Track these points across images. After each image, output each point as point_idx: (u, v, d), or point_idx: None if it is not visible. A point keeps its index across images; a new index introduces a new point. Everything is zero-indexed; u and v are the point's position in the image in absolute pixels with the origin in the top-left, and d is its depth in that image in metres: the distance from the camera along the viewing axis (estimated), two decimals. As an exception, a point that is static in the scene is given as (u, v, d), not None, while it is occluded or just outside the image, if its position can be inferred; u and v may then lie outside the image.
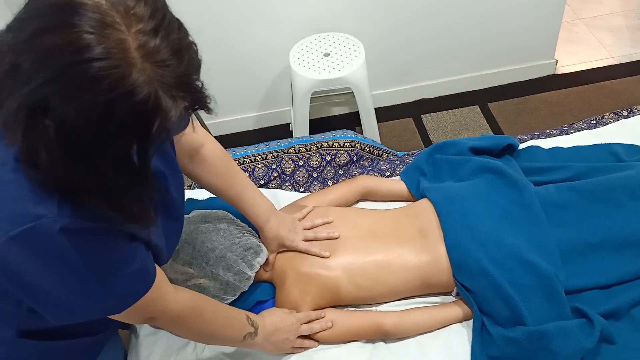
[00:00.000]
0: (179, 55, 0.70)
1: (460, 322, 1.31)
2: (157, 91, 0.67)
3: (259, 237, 1.37)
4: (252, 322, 1.17)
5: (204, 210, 1.39)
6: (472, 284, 1.28)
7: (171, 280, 1.26)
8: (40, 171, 0.73)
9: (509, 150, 1.60)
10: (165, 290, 0.98)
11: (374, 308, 1.35)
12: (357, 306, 1.36)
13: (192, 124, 1.07)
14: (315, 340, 1.30)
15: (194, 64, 0.73)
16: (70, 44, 0.63)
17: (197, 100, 0.76)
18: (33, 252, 0.77)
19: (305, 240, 1.34)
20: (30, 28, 0.66)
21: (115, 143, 0.69)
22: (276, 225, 1.34)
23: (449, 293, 1.36)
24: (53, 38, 0.64)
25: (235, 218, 1.37)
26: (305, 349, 1.29)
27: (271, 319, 1.23)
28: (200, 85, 0.76)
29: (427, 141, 2.50)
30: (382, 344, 1.30)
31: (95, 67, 0.63)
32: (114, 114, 0.66)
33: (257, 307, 1.37)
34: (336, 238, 1.35)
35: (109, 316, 0.93)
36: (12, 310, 0.93)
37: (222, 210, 1.40)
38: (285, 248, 1.36)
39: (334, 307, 1.34)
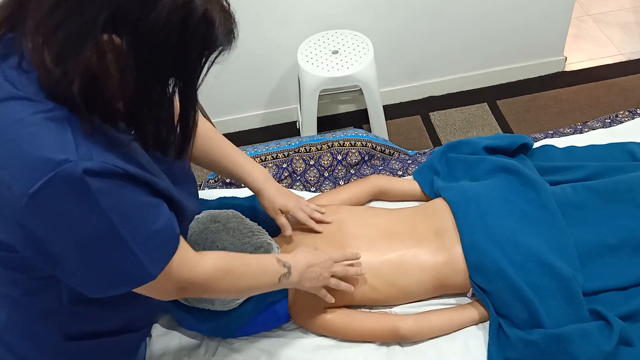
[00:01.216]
0: None
1: (477, 324, 1.30)
2: (214, 8, 0.75)
3: (270, 236, 1.36)
4: (284, 263, 1.14)
5: (213, 210, 1.38)
6: (489, 286, 1.26)
7: None
8: (73, 102, 0.74)
9: (523, 149, 1.58)
10: (190, 256, 0.96)
11: (388, 310, 1.34)
12: (370, 308, 1.35)
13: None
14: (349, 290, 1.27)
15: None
16: None
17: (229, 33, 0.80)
18: (58, 204, 0.76)
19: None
20: None
21: (180, 54, 0.75)
22: (275, 189, 1.33)
23: (464, 294, 1.35)
24: None
25: (244, 217, 1.36)
26: (341, 291, 1.26)
27: (303, 255, 1.20)
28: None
29: (435, 139, 2.48)
30: (398, 346, 1.28)
31: None
32: (186, 25, 0.72)
33: (269, 308, 1.35)
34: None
35: (141, 291, 0.90)
36: (54, 305, 0.93)
37: (231, 209, 1.39)
38: (283, 212, 1.34)
39: (348, 307, 1.33)
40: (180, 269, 0.92)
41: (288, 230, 1.34)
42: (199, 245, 1.26)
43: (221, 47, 0.79)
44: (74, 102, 0.75)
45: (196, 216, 1.35)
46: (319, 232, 1.35)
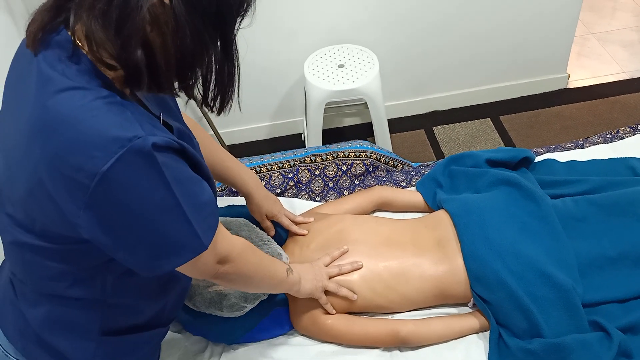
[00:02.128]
0: None
1: (477, 332, 1.32)
2: None
3: (280, 245, 1.39)
4: (285, 263, 1.24)
5: (225, 218, 1.41)
6: (489, 296, 1.28)
7: (192, 285, 1.28)
8: (137, 72, 0.80)
9: (525, 163, 1.61)
10: (225, 230, 1.03)
11: (389, 316, 1.35)
12: (372, 315, 1.37)
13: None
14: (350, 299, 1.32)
15: None
16: None
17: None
18: (129, 178, 0.81)
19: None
20: None
21: (220, 8, 0.81)
22: (263, 195, 1.42)
23: (465, 304, 1.36)
24: None
25: (254, 226, 1.39)
26: (345, 302, 1.32)
27: (296, 264, 1.28)
28: None
29: (438, 153, 2.51)
30: (401, 356, 1.30)
31: None
32: None
33: (274, 314, 1.38)
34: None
35: (185, 268, 0.95)
36: (97, 297, 0.98)
37: (241, 217, 1.42)
38: (269, 217, 1.43)
39: (349, 314, 1.35)
40: (221, 241, 0.99)
41: (272, 231, 1.45)
42: None
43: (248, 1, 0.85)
44: (135, 71, 0.80)
45: None
46: (304, 235, 1.43)
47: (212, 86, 0.89)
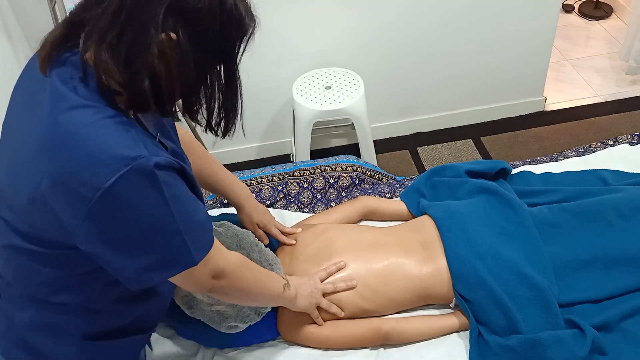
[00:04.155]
0: None
1: (458, 331, 1.37)
2: (244, 6, 0.91)
3: (274, 252, 1.44)
4: (283, 277, 1.27)
5: (238, 232, 1.43)
6: (470, 295, 1.35)
7: (193, 298, 1.32)
8: (143, 98, 0.86)
9: (503, 174, 1.70)
10: (221, 247, 1.07)
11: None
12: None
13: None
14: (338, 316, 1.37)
15: None
16: None
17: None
18: (130, 195, 0.85)
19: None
20: None
21: (222, 38, 0.88)
22: (254, 206, 1.48)
23: (447, 305, 1.43)
24: None
25: (265, 247, 1.42)
26: (333, 315, 1.36)
27: (293, 277, 1.33)
28: None
29: (422, 172, 2.58)
30: (385, 355, 1.35)
31: None
32: (223, 10, 0.86)
33: (265, 320, 1.41)
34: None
35: (180, 280, 0.99)
36: (82, 302, 1.02)
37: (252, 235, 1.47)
38: (260, 226, 1.49)
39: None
40: (216, 257, 1.03)
41: (265, 240, 1.50)
42: None
43: (250, 27, 0.92)
44: (142, 99, 0.86)
45: (220, 233, 1.45)
46: (292, 244, 1.48)
47: (215, 112, 0.95)
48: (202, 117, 0.96)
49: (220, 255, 1.05)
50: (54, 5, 1.91)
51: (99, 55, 0.84)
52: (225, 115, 0.96)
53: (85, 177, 0.83)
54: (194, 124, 1.00)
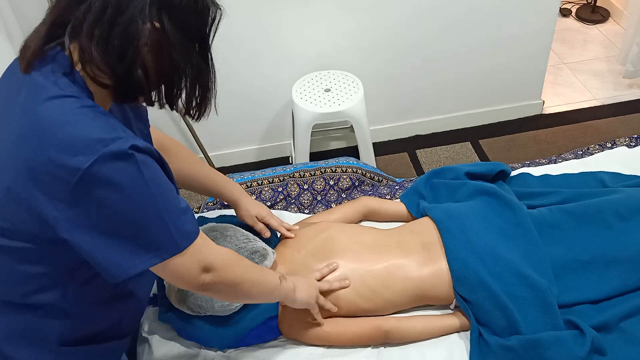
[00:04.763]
0: None
1: (458, 331, 1.38)
2: None
3: (265, 242, 1.45)
4: (278, 273, 1.27)
5: (212, 223, 1.47)
6: (470, 295, 1.36)
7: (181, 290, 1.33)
8: (120, 82, 0.91)
9: (502, 176, 1.71)
10: (209, 240, 1.07)
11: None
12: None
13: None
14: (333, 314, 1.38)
15: None
16: None
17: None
18: (109, 175, 0.86)
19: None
20: None
21: (198, 23, 0.94)
22: (249, 200, 1.50)
23: (447, 306, 1.43)
24: None
25: (240, 228, 1.45)
26: (329, 311, 1.38)
27: (289, 275, 1.33)
28: None
29: (421, 174, 2.58)
30: (386, 354, 1.35)
31: None
32: (200, 8, 0.93)
33: (267, 322, 1.42)
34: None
35: (168, 275, 1.00)
36: (58, 305, 1.02)
37: (229, 224, 1.49)
38: (259, 219, 1.49)
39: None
40: (204, 250, 1.03)
41: (267, 232, 1.50)
42: None
43: (219, 10, 0.97)
44: (135, 88, 0.92)
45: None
46: (291, 238, 1.49)
47: (194, 94, 0.99)
48: (181, 102, 1.00)
49: (209, 248, 1.05)
50: (55, 7, 1.91)
51: (89, 51, 0.87)
52: (202, 96, 1.00)
53: (64, 160, 0.84)
54: (189, 117, 1.03)
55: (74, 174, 0.85)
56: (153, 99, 0.97)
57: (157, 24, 0.88)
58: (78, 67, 0.91)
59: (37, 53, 0.91)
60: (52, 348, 1.05)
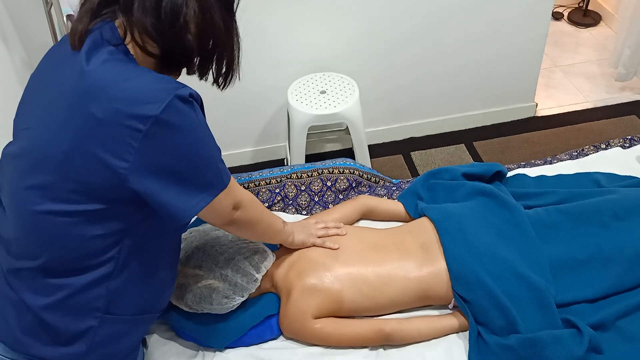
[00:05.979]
0: None
1: (457, 332, 1.39)
2: None
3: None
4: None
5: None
6: (469, 295, 1.36)
7: (182, 285, 1.34)
8: (174, 54, 1.00)
9: (498, 177, 1.72)
10: (234, 180, 1.14)
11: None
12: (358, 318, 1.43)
13: None
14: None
15: None
16: None
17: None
18: (177, 120, 0.94)
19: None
20: None
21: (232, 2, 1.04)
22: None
23: (446, 306, 1.44)
24: None
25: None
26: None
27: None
28: None
29: (416, 176, 2.61)
30: (385, 355, 1.36)
31: None
32: None
33: (265, 321, 1.42)
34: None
35: (206, 213, 1.06)
36: (110, 267, 1.06)
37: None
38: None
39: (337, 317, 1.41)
40: (236, 187, 1.13)
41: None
42: (199, 250, 1.40)
43: None
44: (186, 55, 1.01)
45: (197, 228, 1.49)
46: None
47: (224, 63, 1.07)
48: (211, 71, 1.07)
49: (237, 187, 1.14)
50: (50, 8, 1.91)
51: (142, 20, 0.95)
52: (229, 65, 1.08)
53: (134, 110, 0.91)
54: (216, 86, 1.11)
55: (145, 122, 0.92)
56: (193, 66, 1.04)
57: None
58: (127, 41, 0.99)
59: (86, 29, 0.98)
60: (96, 316, 1.08)
